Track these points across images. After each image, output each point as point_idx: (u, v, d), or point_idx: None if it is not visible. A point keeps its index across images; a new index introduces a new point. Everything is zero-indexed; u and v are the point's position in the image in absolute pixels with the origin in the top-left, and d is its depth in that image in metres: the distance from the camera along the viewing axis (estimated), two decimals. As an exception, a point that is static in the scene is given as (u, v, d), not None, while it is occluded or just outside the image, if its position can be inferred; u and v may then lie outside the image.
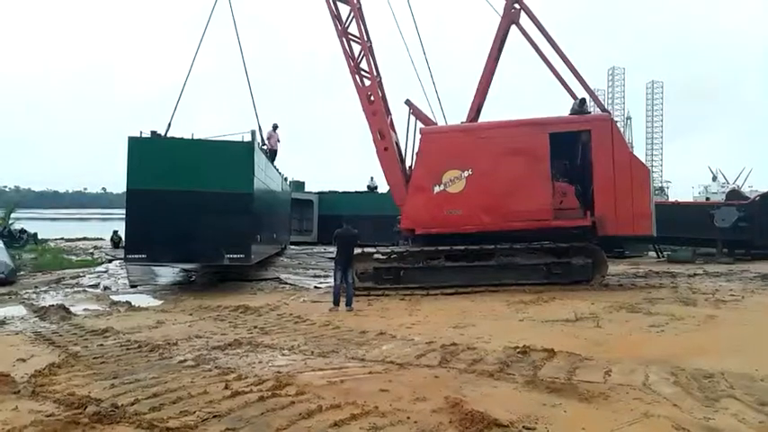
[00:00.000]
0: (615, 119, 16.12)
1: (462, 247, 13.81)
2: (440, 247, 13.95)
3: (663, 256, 23.11)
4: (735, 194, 28.39)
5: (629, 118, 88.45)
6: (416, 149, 14.83)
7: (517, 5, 15.47)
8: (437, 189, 14.20)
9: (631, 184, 13.75)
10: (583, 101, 14.85)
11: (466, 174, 14.11)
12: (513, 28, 15.60)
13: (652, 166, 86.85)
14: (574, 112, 14.77)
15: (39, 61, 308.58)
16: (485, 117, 15.97)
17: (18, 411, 5.33)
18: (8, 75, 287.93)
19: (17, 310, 11.31)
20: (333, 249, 12.78)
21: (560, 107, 15.76)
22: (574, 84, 15.26)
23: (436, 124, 15.52)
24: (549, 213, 13.89)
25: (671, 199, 44.81)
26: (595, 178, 13.93)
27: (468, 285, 13.48)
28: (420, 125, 15.20)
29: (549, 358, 7.30)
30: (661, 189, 66.68)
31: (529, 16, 15.41)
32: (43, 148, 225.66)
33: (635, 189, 13.79)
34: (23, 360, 7.30)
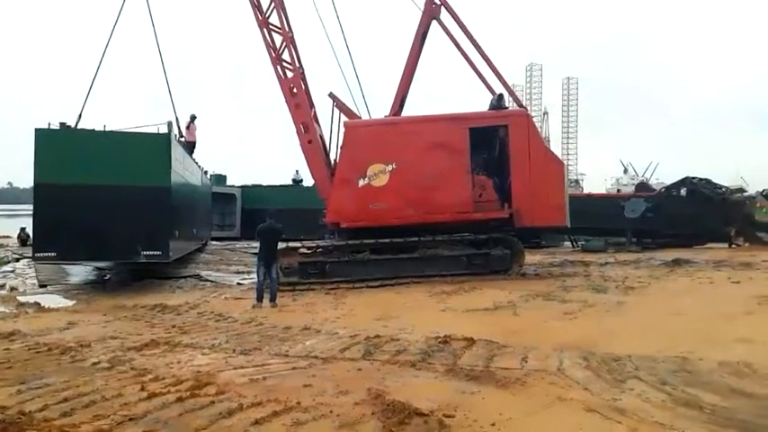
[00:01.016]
0: (533, 114, 16.73)
1: (387, 240, 13.95)
2: (365, 241, 14.04)
3: (577, 246, 24.20)
4: (643, 187, 30.16)
5: (545, 113, 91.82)
6: (341, 143, 14.83)
7: (437, 1, 15.71)
8: (362, 182, 14.26)
9: (546, 177, 14.30)
10: (501, 96, 15.30)
11: (390, 167, 14.23)
12: (435, 23, 15.84)
13: (567, 159, 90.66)
14: (492, 107, 15.17)
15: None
16: (408, 111, 16.19)
17: None
18: None
19: None
20: (256, 245, 12.60)
21: (481, 102, 16.17)
22: (493, 79, 15.71)
23: (360, 118, 15.56)
24: (470, 206, 14.25)
25: (585, 191, 46.96)
26: (513, 172, 14.38)
27: (392, 278, 13.66)
28: (344, 118, 15.18)
29: (468, 347, 7.50)
30: (576, 182, 69.79)
31: (449, 12, 15.68)
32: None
33: (550, 182, 14.35)
34: None
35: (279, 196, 29.10)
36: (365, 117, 15.79)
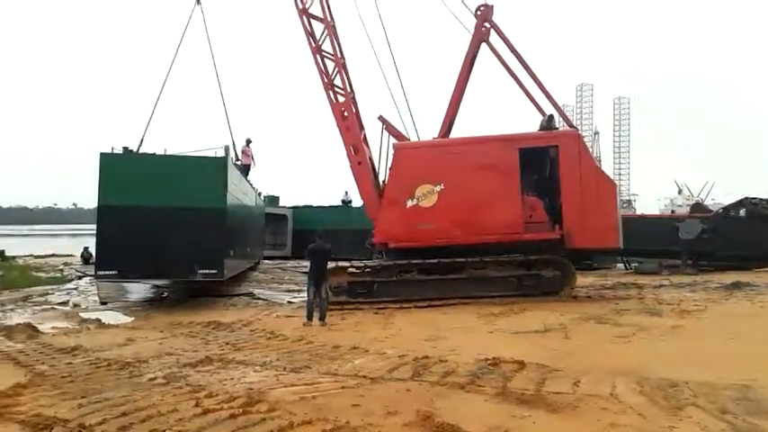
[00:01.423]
0: (583, 134, 16.50)
1: (434, 261, 13.94)
2: (412, 261, 14.07)
3: (630, 268, 23.54)
4: (699, 208, 29.10)
5: (596, 133, 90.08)
6: (389, 164, 14.98)
7: (487, 24, 15.79)
8: (410, 203, 14.35)
9: (598, 198, 14.05)
10: (551, 117, 15.19)
11: (438, 188, 14.28)
12: (484, 45, 15.90)
13: (619, 179, 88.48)
14: (542, 127, 15.09)
15: (9, 76, 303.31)
16: (456, 132, 16.23)
17: (-18, 434, 5.25)
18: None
19: (-19, 330, 11.04)
20: (306, 264, 12.79)
21: (530, 123, 16.12)
22: (543, 100, 15.61)
23: (409, 139, 15.69)
24: (520, 227, 14.12)
25: (638, 212, 45.67)
26: (563, 192, 14.20)
27: (440, 298, 13.60)
28: (393, 140, 15.34)
29: (518, 370, 7.40)
30: (628, 202, 67.94)
31: (498, 35, 15.72)
32: (13, 163, 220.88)
33: (602, 202, 14.09)
34: (-13, 381, 7.15)
35: (328, 217, 29.53)
36: (414, 139, 15.90)
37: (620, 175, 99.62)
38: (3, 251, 29.04)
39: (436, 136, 15.92)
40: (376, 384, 6.89)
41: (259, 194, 25.10)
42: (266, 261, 27.68)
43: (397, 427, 5.38)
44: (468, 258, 14.04)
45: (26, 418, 5.62)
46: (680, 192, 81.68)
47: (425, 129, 16.53)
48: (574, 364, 7.74)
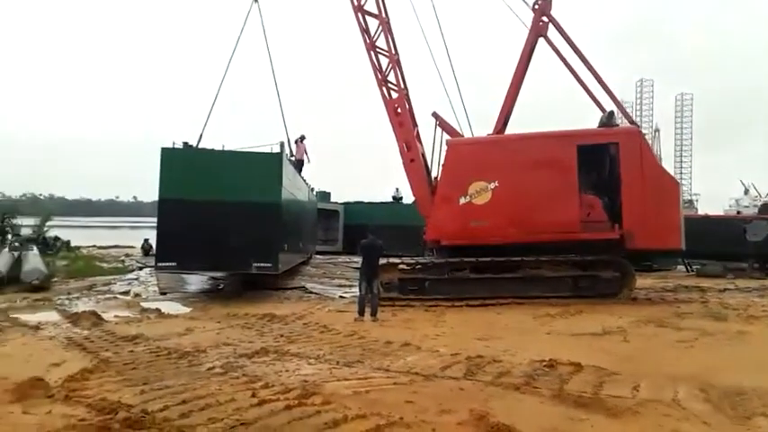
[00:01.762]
0: (643, 131, 15.97)
1: (488, 259, 13.77)
2: (465, 259, 13.94)
3: (692, 271, 22.71)
4: (767, 209, 27.77)
5: (657, 130, 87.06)
6: (442, 161, 14.88)
7: (545, 18, 15.48)
8: (463, 200, 14.22)
9: (660, 197, 13.62)
10: (611, 113, 14.78)
11: (492, 185, 14.11)
12: (541, 40, 15.60)
13: (681, 178, 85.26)
14: (602, 124, 14.71)
15: (72, 70, 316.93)
16: (512, 129, 15.99)
17: (52, 415, 5.46)
18: (43, 84, 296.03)
19: (51, 316, 11.55)
20: (358, 259, 12.85)
21: (588, 120, 15.75)
22: (602, 96, 15.21)
23: (462, 136, 15.55)
24: (577, 226, 13.80)
25: (700, 212, 43.98)
26: (623, 191, 13.82)
27: (493, 297, 13.43)
28: (446, 137, 15.23)
29: (575, 372, 7.28)
30: (690, 202, 65.41)
31: (557, 29, 15.40)
32: (77, 157, 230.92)
33: (664, 202, 13.67)
34: (57, 365, 7.46)
35: (379, 213, 29.65)
36: (468, 135, 15.75)
37: (681, 174, 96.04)
38: (68, 242, 30.29)
39: (491, 132, 15.72)
40: (429, 382, 6.88)
41: (312, 190, 25.40)
42: (318, 256, 28.01)
43: (450, 426, 5.35)
44: (523, 257, 13.81)
45: (93, 401, 5.84)
46: (746, 192, 78.08)
47: (480, 125, 16.36)
48: (633, 368, 7.56)
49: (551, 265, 13.89)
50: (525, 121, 17.72)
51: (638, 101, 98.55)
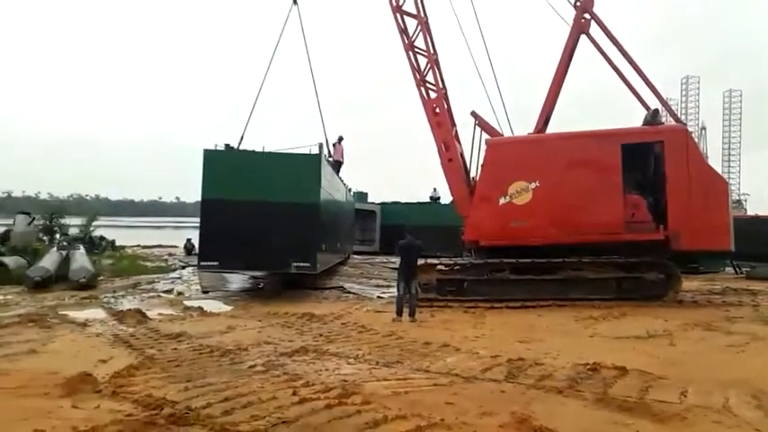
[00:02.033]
0: (689, 129, 15.52)
1: (528, 260, 13.58)
2: (505, 260, 13.77)
3: (741, 273, 21.92)
4: (822, 209, 26.65)
5: (703, 128, 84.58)
6: (482, 160, 14.74)
7: (587, 15, 15.19)
8: (503, 200, 14.05)
9: (708, 197, 13.22)
10: (656, 111, 14.42)
11: (533, 185, 13.90)
12: (583, 37, 15.32)
13: (729, 177, 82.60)
14: (646, 122, 14.35)
15: (116, 75, 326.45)
16: (553, 128, 15.73)
17: (100, 410, 5.61)
18: (88, 88, 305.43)
19: (97, 313, 11.86)
20: (395, 259, 12.82)
21: (632, 118, 15.43)
22: (646, 94, 14.85)
23: (502, 135, 15.38)
24: (620, 226, 13.50)
25: (749, 212, 42.51)
26: (669, 191, 13.45)
27: (533, 299, 13.21)
28: (486, 136, 15.09)
29: (620, 376, 7.12)
30: (738, 202, 63.30)
31: (599, 26, 15.10)
32: (121, 158, 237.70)
33: (712, 202, 13.26)
34: (104, 361, 7.65)
35: (416, 213, 29.57)
36: (507, 135, 15.57)
37: (729, 173, 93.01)
38: (113, 241, 31.18)
39: (531, 131, 15.51)
40: (469, 384, 6.82)
41: (349, 190, 25.51)
42: (355, 256, 28.12)
43: (492, 428, 5.30)
44: (565, 258, 13.57)
45: (139, 397, 5.98)
46: (798, 192, 75.19)
47: (520, 124, 16.17)
48: (680, 372, 7.34)
49: (594, 267, 13.60)
50: (567, 119, 17.45)
51: (684, 98, 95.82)
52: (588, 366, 7.48)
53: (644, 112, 14.63)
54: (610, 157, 13.67)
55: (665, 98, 15.73)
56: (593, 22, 15.20)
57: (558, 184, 13.82)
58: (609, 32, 15.00)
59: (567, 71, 15.64)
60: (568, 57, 15.53)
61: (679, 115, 20.30)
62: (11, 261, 17.43)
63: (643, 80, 14.79)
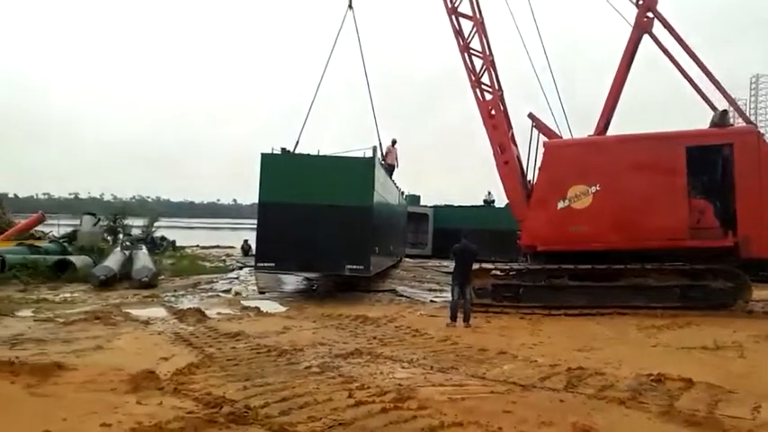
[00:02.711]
0: (761, 131, 14.77)
1: (588, 266, 13.20)
2: (563, 266, 13.43)
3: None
4: None
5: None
6: (539, 164, 14.45)
7: (650, 14, 14.68)
8: (561, 204, 13.71)
9: None
10: (724, 112, 13.79)
11: (593, 189, 13.51)
12: (646, 37, 14.82)
13: (802, 182, 78.27)
14: (714, 124, 13.73)
15: (176, 82, 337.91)
16: (613, 130, 15.28)
17: (162, 407, 5.75)
18: (151, 95, 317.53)
19: (159, 312, 12.23)
20: (447, 263, 12.70)
21: (698, 120, 14.80)
22: (713, 95, 14.23)
23: (561, 137, 15.03)
24: (685, 232, 12.96)
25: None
26: (738, 196, 12.84)
27: (593, 307, 12.81)
28: (543, 138, 14.77)
29: (686, 388, 6.83)
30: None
31: (663, 25, 14.57)
32: (182, 162, 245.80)
33: None
34: (165, 359, 7.86)
35: (469, 216, 29.21)
36: (566, 137, 15.20)
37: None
38: (174, 241, 32.19)
39: (591, 134, 15.09)
40: (527, 392, 6.67)
41: (402, 193, 25.50)
42: (407, 260, 28.06)
43: (552, 439, 5.14)
44: (626, 265, 13.13)
45: (199, 395, 6.10)
46: None
47: (579, 126, 15.75)
48: (752, 386, 6.98)
49: (657, 274, 13.09)
50: (628, 121, 16.93)
51: (753, 98, 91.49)
52: (652, 377, 7.20)
53: (711, 114, 14.02)
54: (674, 161, 13.15)
55: (733, 98, 15.02)
56: (656, 21, 14.66)
57: (619, 188, 13.39)
58: (673, 31, 14.45)
59: (628, 71, 15.15)
60: (630, 56, 15.04)
61: (749, 116, 19.36)
62: (78, 260, 18.23)
63: (710, 80, 14.19)
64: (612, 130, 15.24)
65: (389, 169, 20.90)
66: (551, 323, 11.85)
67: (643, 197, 13.17)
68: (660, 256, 13.13)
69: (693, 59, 14.25)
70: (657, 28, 14.73)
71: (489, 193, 32.59)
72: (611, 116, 15.14)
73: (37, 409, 5.65)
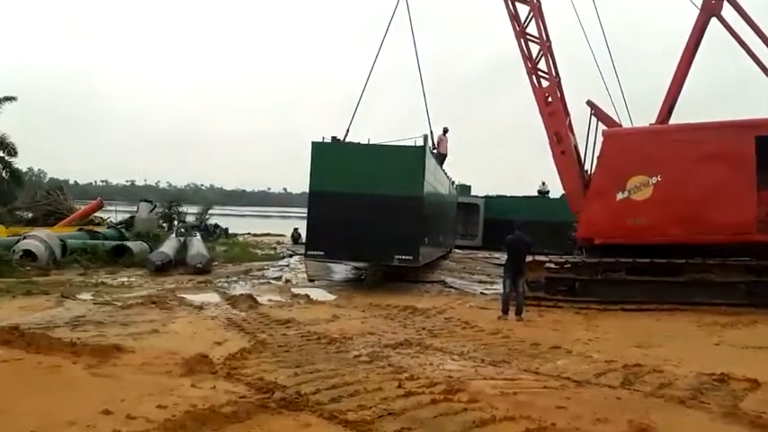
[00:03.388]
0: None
1: (647, 260, 12.73)
2: (621, 259, 12.98)
3: None
4: None
5: None
6: (598, 153, 13.99)
7: (719, -5, 13.95)
8: (620, 196, 13.23)
9: None
10: (799, 99, 13.01)
11: (654, 180, 12.99)
12: (713, 20, 14.10)
13: None
14: (787, 111, 12.97)
15: (228, 72, 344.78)
16: (676, 118, 14.65)
17: (216, 390, 5.83)
18: (202, 85, 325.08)
19: (212, 297, 12.48)
20: (498, 255, 12.47)
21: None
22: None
23: (620, 126, 14.51)
24: (752, 226, 12.31)
25: None
26: None
27: (652, 302, 12.34)
28: (602, 127, 14.28)
29: (752, 389, 6.52)
30: None
31: (733, 6, 13.83)
32: (234, 150, 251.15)
33: None
34: (219, 343, 8.02)
35: (522, 207, 28.54)
36: (626, 125, 14.66)
37: None
38: (227, 229, 32.88)
39: (653, 122, 14.51)
40: (581, 388, 6.48)
41: (452, 183, 25.22)
42: (457, 251, 27.81)
43: (608, 436, 4.97)
44: (688, 260, 12.59)
45: (252, 380, 6.18)
46: None
47: (640, 114, 15.17)
48: (824, 390, 6.55)
49: (721, 270, 12.51)
50: (693, 109, 16.21)
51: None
52: (714, 377, 6.89)
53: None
54: (742, 151, 12.47)
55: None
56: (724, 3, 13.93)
57: (682, 179, 12.82)
58: (744, 13, 13.71)
59: (694, 56, 14.44)
60: (696, 40, 14.33)
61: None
62: (135, 246, 18.84)
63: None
64: (675, 119, 14.63)
65: (440, 158, 20.69)
66: (607, 318, 11.49)
67: (708, 189, 12.59)
68: (724, 250, 12.55)
69: (765, 43, 13.49)
70: (727, 10, 14.01)
71: (544, 183, 31.83)
72: (675, 104, 14.49)
73: (97, 389, 5.83)
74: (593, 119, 14.42)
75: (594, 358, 7.91)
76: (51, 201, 28.86)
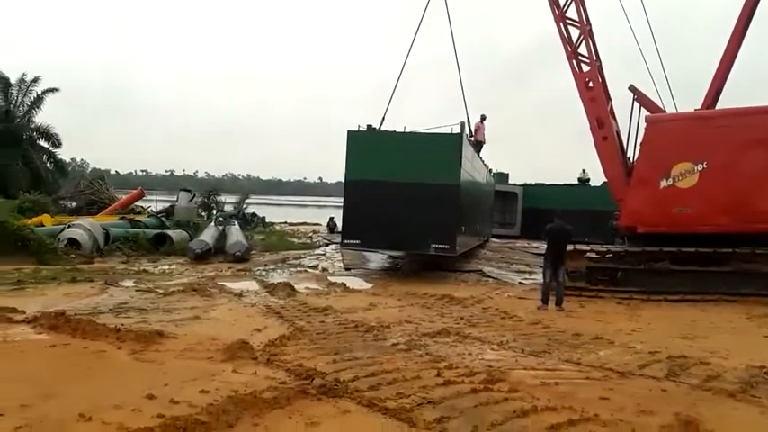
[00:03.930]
0: None
1: (692, 250, 12.37)
2: (665, 249, 12.65)
3: None
4: None
5: None
6: (641, 139, 13.62)
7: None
8: (664, 184, 12.88)
9: None
10: None
11: (699, 167, 12.59)
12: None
13: None
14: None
15: (263, 63, 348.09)
16: (723, 104, 14.13)
17: (257, 376, 5.90)
18: (238, 78, 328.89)
19: (251, 285, 12.64)
20: (537, 244, 12.27)
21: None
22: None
23: (664, 111, 14.08)
24: None
25: None
26: None
27: (697, 292, 12.00)
28: (645, 113, 13.89)
29: (805, 384, 6.24)
30: None
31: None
32: (270, 141, 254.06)
33: None
34: (258, 330, 8.11)
35: (561, 196, 28.02)
36: (671, 111, 14.22)
37: None
38: (264, 218, 33.24)
39: (698, 108, 14.03)
40: (625, 379, 6.35)
41: (490, 171, 24.93)
42: (494, 240, 27.53)
43: (652, 428, 4.89)
44: (735, 249, 12.20)
45: (291, 366, 6.23)
46: None
47: (684, 99, 14.69)
48: None
49: (769, 260, 12.09)
50: (740, 94, 15.61)
51: None
52: (765, 370, 6.69)
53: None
54: None
55: None
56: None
57: (728, 166, 12.39)
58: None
59: (743, 38, 13.85)
60: (745, 22, 13.74)
61: None
62: (175, 234, 19.20)
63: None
64: (722, 105, 14.11)
65: (477, 146, 20.46)
66: (650, 309, 11.23)
67: (756, 176, 12.16)
68: None
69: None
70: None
71: (584, 171, 31.20)
72: (722, 88, 13.96)
73: (141, 374, 5.95)
74: (636, 105, 14.05)
75: (638, 349, 7.74)
76: (94, 190, 29.64)
